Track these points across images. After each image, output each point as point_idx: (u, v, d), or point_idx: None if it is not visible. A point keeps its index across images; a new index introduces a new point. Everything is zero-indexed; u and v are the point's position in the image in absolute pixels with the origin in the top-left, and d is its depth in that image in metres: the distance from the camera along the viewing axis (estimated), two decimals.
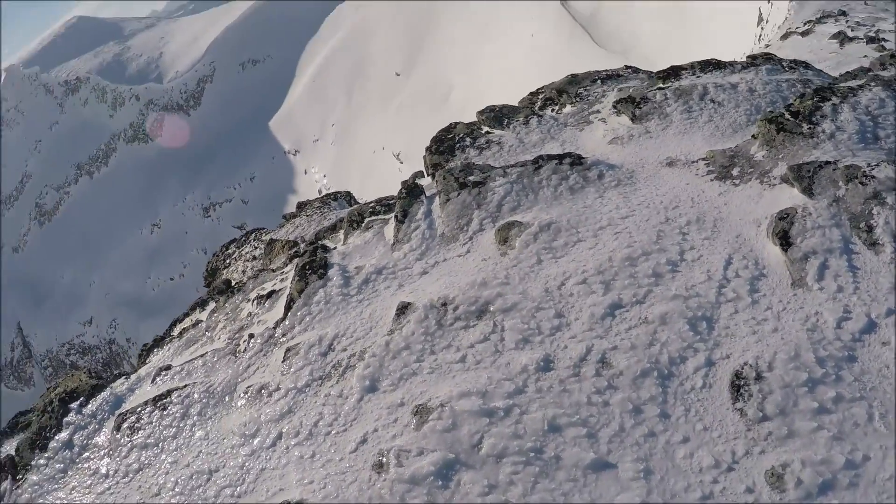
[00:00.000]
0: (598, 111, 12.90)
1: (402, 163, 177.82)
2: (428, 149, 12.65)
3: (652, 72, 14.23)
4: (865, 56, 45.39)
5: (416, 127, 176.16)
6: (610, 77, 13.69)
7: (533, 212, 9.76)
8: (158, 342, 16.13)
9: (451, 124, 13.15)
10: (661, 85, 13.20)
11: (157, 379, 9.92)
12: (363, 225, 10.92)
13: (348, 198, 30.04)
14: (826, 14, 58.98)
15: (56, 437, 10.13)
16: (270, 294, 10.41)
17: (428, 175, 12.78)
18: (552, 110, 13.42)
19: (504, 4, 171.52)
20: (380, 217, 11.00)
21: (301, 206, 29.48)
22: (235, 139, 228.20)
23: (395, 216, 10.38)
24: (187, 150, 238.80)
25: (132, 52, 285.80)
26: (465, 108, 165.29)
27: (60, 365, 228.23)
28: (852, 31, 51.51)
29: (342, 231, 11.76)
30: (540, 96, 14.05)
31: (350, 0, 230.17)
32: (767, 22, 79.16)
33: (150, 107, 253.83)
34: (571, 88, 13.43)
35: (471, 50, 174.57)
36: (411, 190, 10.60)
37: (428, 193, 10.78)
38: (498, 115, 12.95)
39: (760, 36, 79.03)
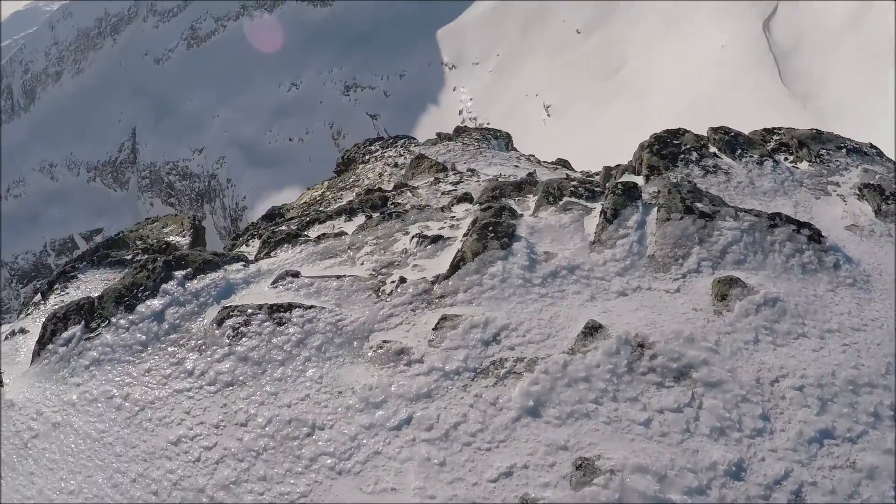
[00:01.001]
0: (837, 184, 11.33)
1: (549, 115, 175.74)
2: (648, 146, 11.29)
3: None
4: None
5: (576, 88, 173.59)
6: (856, 150, 12.05)
7: (759, 276, 8.39)
8: (273, 228, 15.11)
9: (679, 130, 11.74)
10: None
11: (280, 284, 8.81)
12: (561, 204, 9.64)
13: (508, 140, 28.73)
14: None
15: (148, 303, 9.06)
16: (436, 239, 9.24)
17: (638, 174, 11.43)
18: (786, 159, 11.88)
19: (707, 3, 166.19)
20: (581, 202, 9.70)
21: (459, 130, 28.18)
22: (401, 32, 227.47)
23: (604, 211, 9.09)
24: (350, 28, 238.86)
25: None
26: (629, 88, 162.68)
27: (158, 180, 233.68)
28: None
29: (533, 199, 10.54)
30: (775, 138, 12.52)
31: None
32: None
33: None
34: (813, 145, 11.87)
35: (656, 35, 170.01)
36: (628, 190, 9.28)
37: (645, 198, 9.46)
38: (731, 142, 11.49)
39: None
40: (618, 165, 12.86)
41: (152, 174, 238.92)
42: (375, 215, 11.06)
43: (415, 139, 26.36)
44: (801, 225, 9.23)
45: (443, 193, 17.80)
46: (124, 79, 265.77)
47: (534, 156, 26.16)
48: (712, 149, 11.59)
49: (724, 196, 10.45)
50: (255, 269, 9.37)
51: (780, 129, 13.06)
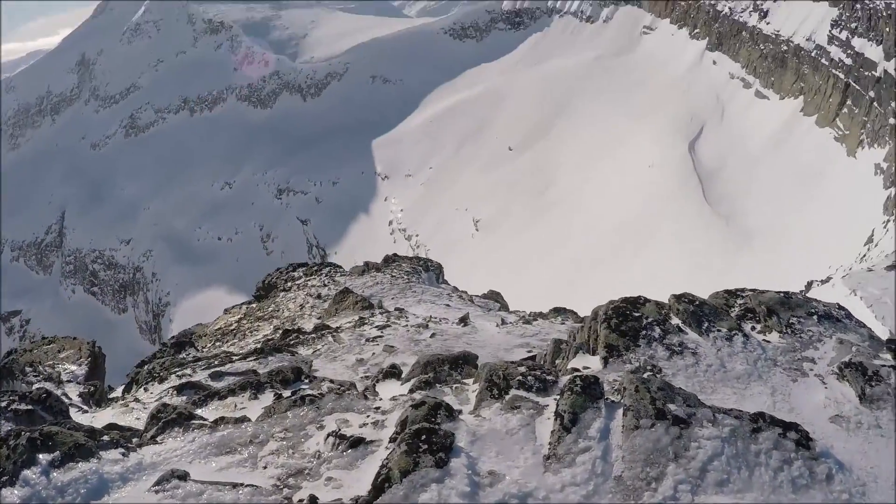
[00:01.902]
0: (813, 360, 10.06)
1: (477, 230, 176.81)
2: (605, 319, 9.87)
3: (873, 333, 11.35)
4: None
5: (506, 203, 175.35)
6: (827, 316, 10.84)
7: (746, 500, 6.93)
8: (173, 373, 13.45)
9: (639, 298, 10.38)
10: (892, 361, 10.34)
11: (164, 489, 7.07)
12: (507, 399, 8.11)
13: (439, 272, 27.48)
14: None
15: (3, 493, 7.39)
16: (356, 443, 7.61)
17: (594, 353, 10.00)
18: (753, 328, 10.61)
19: (638, 125, 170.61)
20: (531, 397, 8.16)
21: (388, 260, 26.90)
22: (336, 140, 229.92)
23: (559, 415, 7.56)
24: (287, 132, 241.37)
25: (281, 21, 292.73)
26: (559, 205, 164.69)
27: (82, 267, 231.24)
28: None
29: (473, 387, 9.04)
30: (739, 302, 11.28)
31: (499, 62, 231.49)
32: (877, 245, 77.75)
33: (273, 77, 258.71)
34: (783, 313, 10.66)
35: (587, 153, 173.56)
36: (588, 387, 7.78)
37: (606, 392, 7.98)
38: (697, 313, 10.17)
39: (865, 256, 77.51)
40: (566, 341, 11.40)
41: (77, 260, 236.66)
42: (285, 396, 9.40)
43: (340, 268, 24.98)
44: (786, 427, 7.81)
45: (367, 340, 16.39)
46: (59, 160, 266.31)
47: (465, 292, 24.85)
48: (675, 320, 10.24)
49: (695, 384, 9.07)
50: (136, 462, 7.62)
51: (744, 290, 11.84)
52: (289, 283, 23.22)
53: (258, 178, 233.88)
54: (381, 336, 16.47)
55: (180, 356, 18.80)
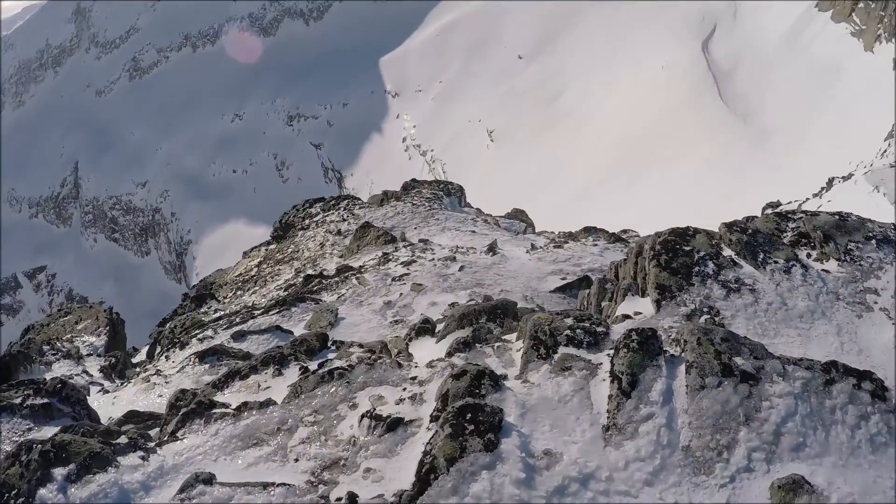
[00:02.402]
0: (876, 291, 9.28)
1: (492, 140, 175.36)
2: (654, 256, 9.08)
3: None
4: None
5: (518, 113, 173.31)
6: (885, 241, 10.04)
7: (825, 468, 6.20)
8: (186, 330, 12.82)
9: (688, 230, 9.56)
10: None
11: (189, 496, 6.45)
12: (556, 359, 7.38)
13: (460, 194, 26.48)
14: None
15: None
16: (394, 425, 6.89)
17: (644, 294, 9.23)
18: (811, 256, 9.81)
19: (648, 26, 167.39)
20: (582, 355, 7.41)
21: (407, 187, 25.89)
22: (343, 62, 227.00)
23: (616, 377, 6.83)
24: (293, 58, 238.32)
25: None
26: (571, 113, 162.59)
27: (101, 215, 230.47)
28: None
29: (516, 344, 8.32)
30: (791, 226, 10.43)
31: None
32: None
33: (273, 4, 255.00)
34: (840, 238, 9.84)
35: (598, 58, 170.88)
36: (646, 342, 7.03)
37: (669, 351, 7.23)
38: (751, 243, 9.37)
39: (885, 151, 76.44)
40: (610, 280, 10.58)
41: (95, 209, 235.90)
42: (312, 369, 8.67)
43: (359, 199, 24.11)
44: (860, 376, 7.07)
45: (393, 280, 15.64)
46: (66, 112, 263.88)
47: (490, 216, 24.00)
48: (728, 252, 9.44)
49: (756, 326, 8.31)
50: (158, 466, 6.95)
51: (794, 213, 10.98)
52: (307, 221, 22.43)
53: (267, 108, 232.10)
54: (407, 273, 15.74)
55: (202, 310, 18.23)
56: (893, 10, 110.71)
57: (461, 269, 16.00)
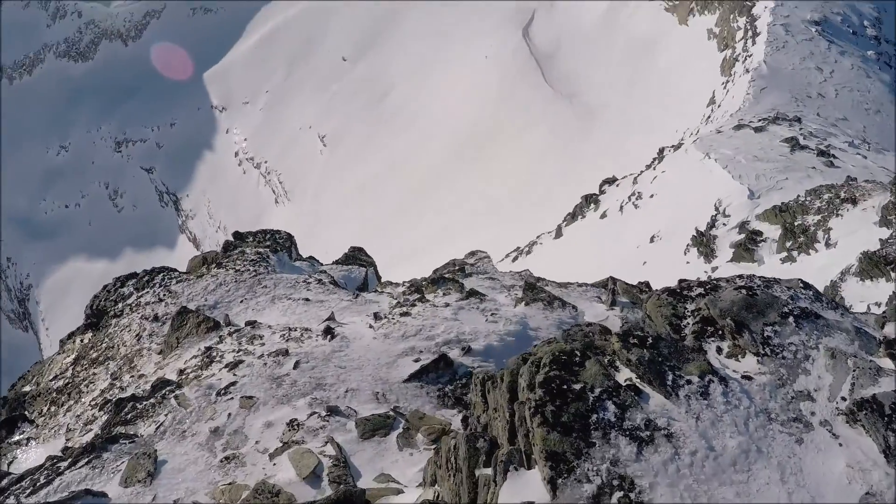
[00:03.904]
0: (810, 396, 7.48)
1: (325, 145, 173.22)
2: (536, 405, 6.90)
3: (868, 325, 8.78)
4: (814, 167, 44.97)
5: (349, 115, 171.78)
6: (804, 315, 8.22)
7: None
8: None
9: (573, 355, 7.40)
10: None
11: None
12: None
13: (289, 245, 23.39)
14: (780, 115, 59.77)
15: None
16: None
17: (528, 462, 7.03)
18: (724, 352, 7.91)
19: (469, 20, 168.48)
20: None
21: (228, 247, 22.60)
22: (165, 81, 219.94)
23: None
24: (114, 81, 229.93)
25: None
26: (400, 112, 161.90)
27: None
28: (804, 139, 51.55)
29: None
30: (689, 308, 8.53)
31: None
32: (720, 106, 78.70)
33: (89, 27, 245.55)
34: (753, 322, 7.99)
35: (422, 55, 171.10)
36: None
37: None
38: (654, 360, 7.36)
39: (710, 117, 78.39)
40: (481, 435, 8.26)
41: None
42: None
43: (174, 272, 21.10)
44: None
45: (218, 394, 13.08)
46: None
47: (324, 272, 21.43)
48: (626, 373, 7.37)
49: (684, 491, 6.34)
50: None
51: (689, 286, 9.04)
52: (119, 305, 19.51)
53: (93, 136, 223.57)
54: (234, 383, 13.21)
55: (14, 438, 15.50)
56: None
57: (296, 365, 13.61)
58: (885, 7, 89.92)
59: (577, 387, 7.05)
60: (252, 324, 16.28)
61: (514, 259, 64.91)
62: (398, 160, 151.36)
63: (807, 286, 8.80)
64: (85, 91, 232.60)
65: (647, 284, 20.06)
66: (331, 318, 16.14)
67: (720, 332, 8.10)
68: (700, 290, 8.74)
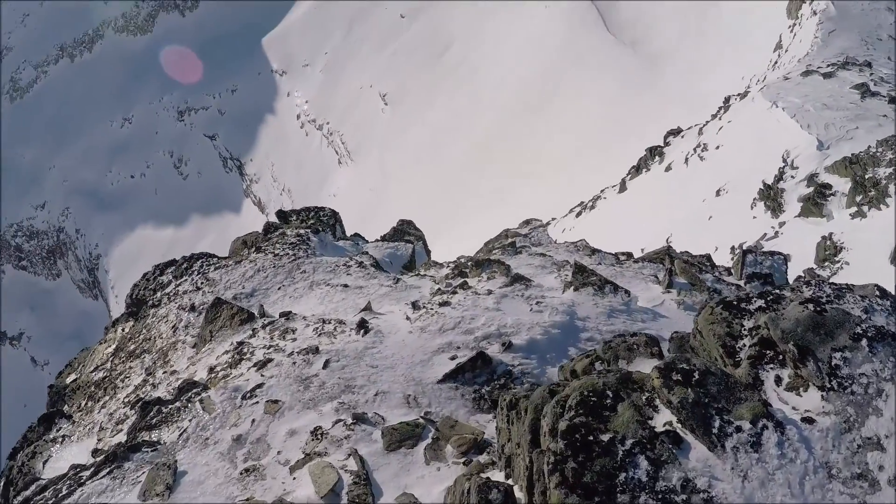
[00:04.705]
0: (880, 445, 6.35)
1: (386, 104, 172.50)
2: (556, 459, 5.87)
3: None
4: (885, 115, 42.45)
5: (409, 72, 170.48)
6: (878, 336, 7.02)
7: None
8: None
9: (604, 394, 6.31)
10: None
11: None
12: None
13: (333, 223, 22.62)
14: (850, 60, 57.02)
15: None
16: None
17: None
18: (783, 383, 6.79)
19: None
20: None
21: (268, 229, 21.91)
22: (225, 47, 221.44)
23: None
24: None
25: None
26: (460, 66, 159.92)
27: (5, 245, 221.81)
28: (875, 84, 49.03)
29: None
30: (747, 326, 7.36)
31: None
32: (787, 51, 75.91)
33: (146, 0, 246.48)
34: (820, 347, 6.82)
35: (480, 9, 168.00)
36: None
37: None
38: (699, 401, 6.23)
39: (776, 63, 75.71)
40: (497, 486, 7.24)
41: None
42: None
43: (213, 258, 20.36)
44: None
45: (244, 397, 12.30)
46: None
47: (366, 253, 20.44)
48: (665, 416, 6.28)
49: None
50: None
51: (749, 301, 7.80)
52: (158, 294, 18.94)
53: (156, 107, 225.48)
54: (261, 384, 12.41)
55: (51, 435, 15.31)
56: None
57: (326, 364, 12.78)
58: None
59: (606, 437, 5.97)
60: (286, 315, 15.46)
61: (578, 214, 63.66)
62: (460, 116, 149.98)
63: (884, 294, 7.47)
64: (146, 64, 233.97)
65: (709, 258, 18.74)
66: (367, 307, 15.22)
67: (781, 357, 6.90)
68: (760, 302, 7.52)
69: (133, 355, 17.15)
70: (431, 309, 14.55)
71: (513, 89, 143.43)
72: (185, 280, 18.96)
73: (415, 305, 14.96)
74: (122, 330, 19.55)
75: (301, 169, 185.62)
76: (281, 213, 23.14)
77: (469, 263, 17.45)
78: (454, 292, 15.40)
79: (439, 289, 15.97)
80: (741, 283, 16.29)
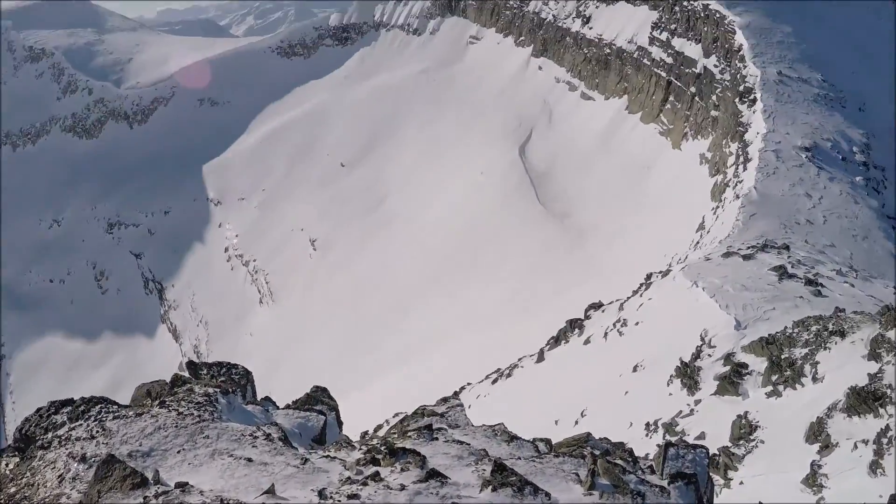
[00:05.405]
0: None
1: (315, 249, 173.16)
2: None
3: None
4: (801, 297, 44.35)
5: (342, 221, 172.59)
6: None
7: None
8: None
9: None
10: None
11: None
12: None
13: (246, 384, 22.90)
14: (769, 242, 59.83)
15: None
16: None
17: None
18: None
19: (468, 134, 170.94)
20: None
21: (176, 383, 22.02)
22: (165, 168, 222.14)
23: None
24: (116, 162, 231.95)
25: (105, 46, 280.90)
26: (395, 218, 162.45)
27: None
28: (792, 267, 51.52)
29: None
30: None
31: (327, 79, 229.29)
32: (708, 231, 79.11)
33: (98, 105, 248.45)
34: None
35: (418, 164, 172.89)
36: None
37: None
38: None
39: (699, 243, 78.72)
40: None
41: None
42: None
43: (114, 405, 20.39)
44: None
45: None
46: None
47: (275, 424, 20.82)
48: None
49: None
50: None
51: None
52: (49, 435, 18.75)
53: (87, 214, 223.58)
54: None
55: None
56: (697, 109, 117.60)
57: None
58: (875, 132, 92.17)
59: None
60: (183, 487, 15.47)
61: (494, 381, 64.24)
62: (386, 268, 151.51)
63: None
64: (86, 168, 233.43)
65: (631, 453, 19.49)
66: (271, 490, 15.35)
67: None
68: None
69: (12, 500, 17.03)
70: (340, 501, 14.53)
71: (440, 244, 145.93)
72: (81, 425, 18.96)
73: (321, 494, 14.88)
74: (6, 466, 19.25)
75: (221, 302, 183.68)
76: (192, 365, 23.37)
77: (383, 450, 17.67)
78: (365, 483, 15.49)
79: (349, 477, 16.02)
80: (665, 482, 16.79)
